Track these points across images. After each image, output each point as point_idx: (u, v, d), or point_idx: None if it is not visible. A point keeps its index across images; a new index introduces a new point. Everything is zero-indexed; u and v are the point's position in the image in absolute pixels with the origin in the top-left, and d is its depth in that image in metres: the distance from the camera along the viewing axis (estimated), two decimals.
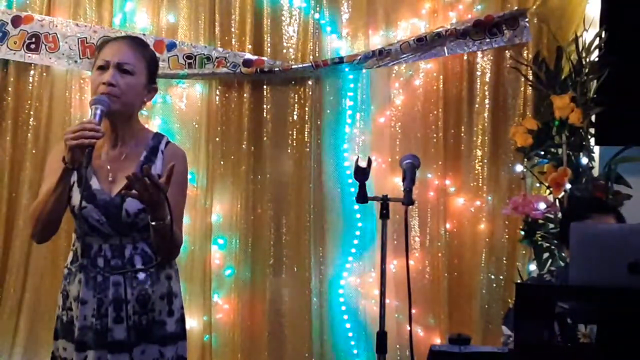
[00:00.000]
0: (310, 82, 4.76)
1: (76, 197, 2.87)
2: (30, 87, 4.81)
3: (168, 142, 3.03)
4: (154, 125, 4.71)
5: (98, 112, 2.76)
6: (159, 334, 2.92)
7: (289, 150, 4.80)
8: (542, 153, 4.43)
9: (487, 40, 4.65)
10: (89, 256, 2.90)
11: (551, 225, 4.29)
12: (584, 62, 4.37)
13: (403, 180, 2.90)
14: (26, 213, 4.65)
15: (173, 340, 2.96)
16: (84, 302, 2.88)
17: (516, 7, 4.63)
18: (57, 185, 2.78)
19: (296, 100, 4.79)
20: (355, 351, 4.68)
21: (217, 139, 4.77)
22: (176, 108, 4.82)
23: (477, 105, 4.69)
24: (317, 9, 4.76)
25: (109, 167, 2.92)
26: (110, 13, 4.80)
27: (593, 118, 4.41)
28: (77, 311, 2.89)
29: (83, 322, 2.87)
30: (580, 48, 4.36)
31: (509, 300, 4.44)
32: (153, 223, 2.77)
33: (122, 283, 2.88)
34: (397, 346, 4.56)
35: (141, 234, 2.91)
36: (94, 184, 2.89)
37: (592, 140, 4.43)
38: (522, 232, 4.37)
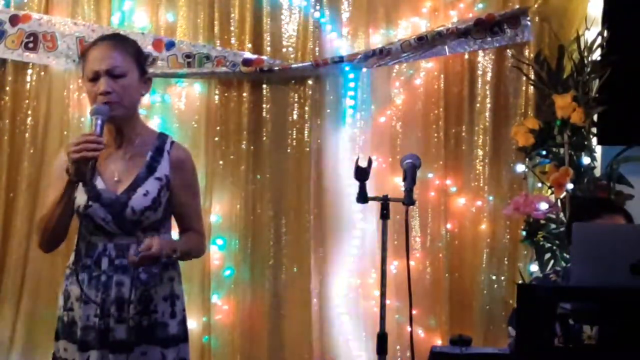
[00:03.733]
0: (310, 82, 4.74)
1: (81, 197, 2.89)
2: (28, 87, 4.78)
3: (173, 142, 3.05)
4: (152, 124, 4.67)
5: (99, 122, 2.80)
6: (161, 336, 2.93)
7: (289, 150, 4.78)
8: (544, 153, 4.42)
9: (489, 39, 4.64)
10: (93, 256, 2.91)
11: (553, 226, 4.28)
12: (585, 61, 4.37)
13: (404, 180, 2.89)
14: (24, 213, 4.70)
15: (175, 343, 2.96)
16: (87, 302, 2.89)
17: (517, 6, 4.63)
18: (62, 197, 2.83)
19: (296, 99, 4.78)
20: (355, 352, 4.66)
21: (217, 139, 4.75)
22: (175, 107, 4.81)
23: (478, 105, 4.68)
24: (317, 7, 4.74)
25: (114, 167, 2.95)
26: (108, 12, 4.78)
27: (595, 117, 4.41)
28: (79, 311, 2.90)
29: (86, 322, 2.89)
30: (582, 47, 4.36)
31: (510, 301, 4.43)
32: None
33: (125, 283, 2.89)
34: (398, 347, 4.55)
35: (145, 234, 2.92)
36: (99, 184, 2.92)
37: (594, 140, 4.43)
38: (524, 233, 4.36)
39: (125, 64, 2.89)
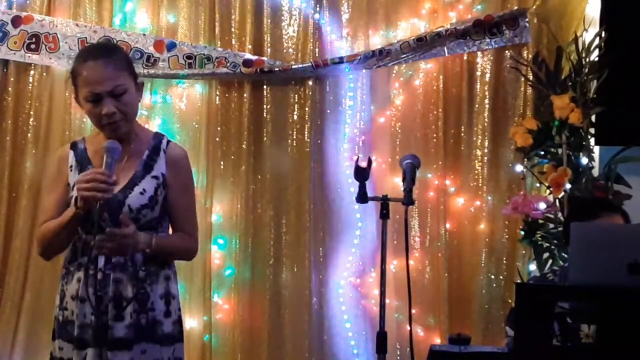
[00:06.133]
0: (310, 82, 4.75)
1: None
2: (30, 87, 4.81)
3: (169, 142, 3.07)
4: (154, 125, 4.71)
5: (110, 160, 2.81)
6: (159, 334, 2.94)
7: (289, 150, 4.79)
8: (542, 153, 4.42)
9: (487, 40, 4.65)
10: (90, 254, 2.91)
11: (551, 225, 4.28)
12: (583, 62, 4.37)
13: (403, 180, 2.90)
14: (26, 213, 4.72)
15: (170, 342, 2.96)
16: (83, 300, 2.89)
17: (516, 7, 4.64)
18: (68, 224, 2.87)
19: (296, 100, 4.79)
20: (355, 351, 4.68)
21: (217, 139, 4.77)
22: (176, 108, 4.82)
23: (477, 105, 4.69)
24: (317, 8, 4.76)
25: None
26: (110, 13, 4.80)
27: (593, 118, 4.40)
28: (76, 309, 2.90)
29: (82, 320, 2.89)
30: (580, 48, 4.36)
31: (509, 301, 4.44)
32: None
33: (123, 280, 2.90)
34: (397, 346, 4.56)
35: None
36: None
37: (592, 140, 4.42)
38: (522, 232, 4.36)
39: (123, 79, 2.89)
